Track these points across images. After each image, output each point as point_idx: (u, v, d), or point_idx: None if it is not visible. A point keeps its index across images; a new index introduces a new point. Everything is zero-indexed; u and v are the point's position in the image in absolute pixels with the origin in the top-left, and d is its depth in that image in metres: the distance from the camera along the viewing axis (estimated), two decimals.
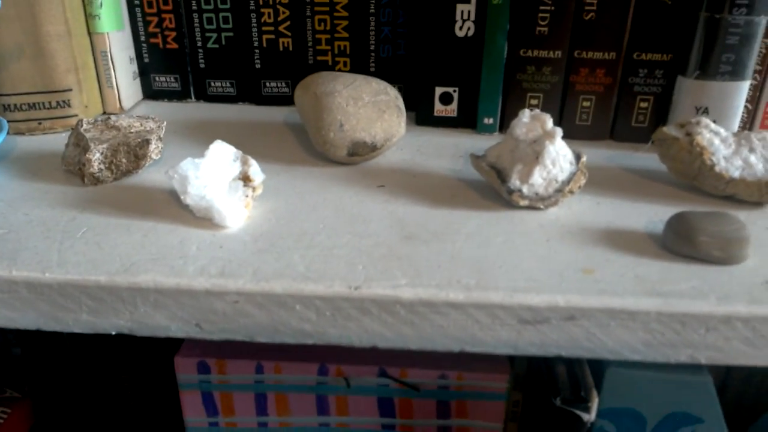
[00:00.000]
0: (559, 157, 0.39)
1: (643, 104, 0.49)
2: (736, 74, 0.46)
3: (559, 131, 0.39)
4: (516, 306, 0.31)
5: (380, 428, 0.50)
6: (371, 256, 0.34)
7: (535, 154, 0.39)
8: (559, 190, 0.39)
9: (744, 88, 0.46)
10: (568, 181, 0.39)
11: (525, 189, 0.39)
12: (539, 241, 0.36)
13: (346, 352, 0.48)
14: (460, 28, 0.49)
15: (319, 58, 0.55)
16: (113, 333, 0.34)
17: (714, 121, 0.47)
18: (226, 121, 0.55)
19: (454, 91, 0.51)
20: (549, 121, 0.39)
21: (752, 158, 0.40)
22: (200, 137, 0.51)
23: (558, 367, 0.47)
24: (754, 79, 0.48)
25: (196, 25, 0.55)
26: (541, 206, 0.39)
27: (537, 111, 0.40)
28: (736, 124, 0.47)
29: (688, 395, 0.46)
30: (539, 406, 0.48)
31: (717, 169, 0.40)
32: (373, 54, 0.55)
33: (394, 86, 0.56)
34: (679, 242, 0.35)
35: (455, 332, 0.32)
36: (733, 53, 0.45)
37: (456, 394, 0.48)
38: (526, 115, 0.39)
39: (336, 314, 0.32)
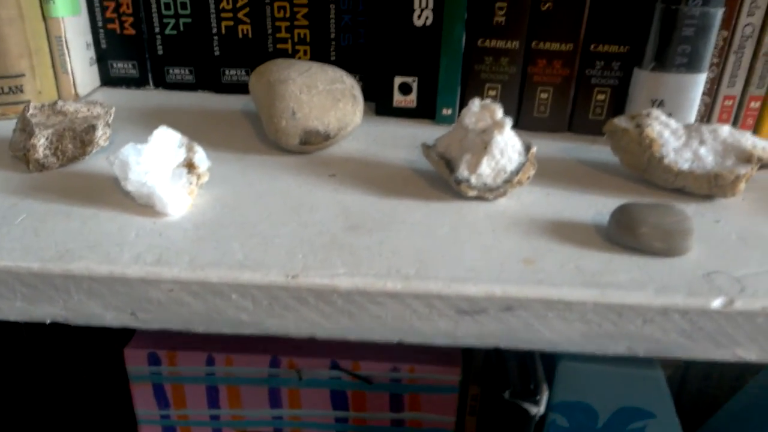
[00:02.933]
0: (508, 147, 0.38)
1: (601, 96, 0.49)
2: (692, 66, 0.45)
3: (508, 121, 0.39)
4: (453, 296, 0.31)
5: (333, 421, 0.49)
6: (313, 245, 0.34)
7: (483, 144, 0.38)
8: (508, 181, 0.39)
9: (700, 80, 0.46)
10: (517, 171, 0.39)
11: (473, 179, 0.38)
12: (484, 231, 0.36)
13: (298, 344, 0.47)
14: (419, 17, 0.48)
15: (279, 46, 0.55)
16: (48, 321, 0.34)
17: (670, 114, 0.47)
18: (184, 108, 0.54)
19: (413, 81, 0.51)
20: (498, 111, 0.39)
21: (702, 151, 0.40)
22: (155, 125, 0.50)
23: (510, 360, 0.46)
24: (711, 71, 0.48)
25: (153, 10, 0.54)
26: (490, 197, 0.39)
27: (487, 101, 0.39)
28: (692, 116, 0.47)
29: (639, 390, 0.46)
30: (493, 400, 0.48)
31: (666, 161, 0.40)
32: (333, 42, 0.54)
33: (354, 75, 0.56)
34: (622, 234, 0.35)
35: (393, 322, 0.32)
36: (689, 45, 0.45)
37: (408, 387, 0.47)
38: (475, 104, 0.39)
39: (273, 303, 0.32)
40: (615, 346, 0.32)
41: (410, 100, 0.52)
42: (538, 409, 0.42)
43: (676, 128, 0.41)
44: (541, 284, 0.31)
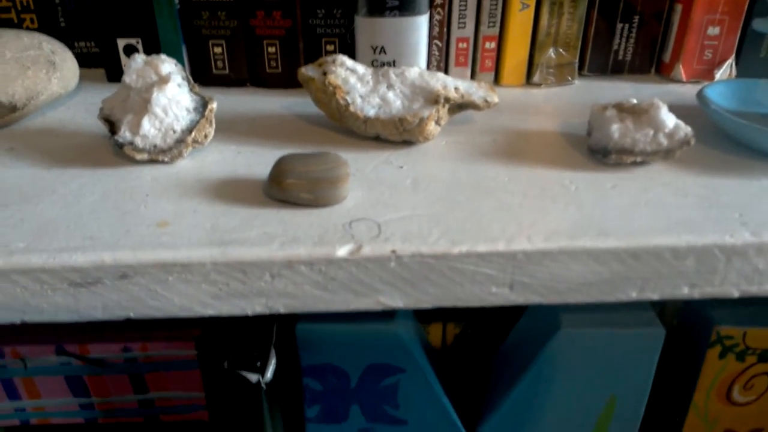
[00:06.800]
0: (172, 104, 0.36)
1: (330, 47, 0.47)
2: (406, 9, 0.44)
3: (174, 77, 0.36)
4: (60, 268, 0.29)
5: (78, 408, 0.47)
6: None
7: (144, 103, 0.36)
8: (181, 140, 0.36)
9: (418, 23, 0.44)
10: (190, 129, 0.36)
11: (139, 141, 0.36)
12: (137, 197, 0.34)
13: (20, 330, 0.45)
14: None
15: (2, 16, 0.51)
16: None
17: (393, 62, 0.45)
18: None
19: (137, 42, 0.48)
20: (163, 66, 0.36)
21: (390, 95, 0.38)
22: None
23: (238, 329, 0.45)
24: (438, 13, 0.47)
25: None
26: (166, 159, 0.36)
27: (155, 56, 0.37)
28: (420, 61, 0.46)
29: (381, 345, 0.45)
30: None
31: (352, 108, 0.38)
32: (59, 8, 0.51)
33: (87, 42, 0.52)
34: (272, 187, 0.33)
35: (7, 301, 0.30)
36: None
37: (147, 367, 0.45)
38: (137, 60, 0.37)
39: None
40: (252, 305, 0.31)
41: None
42: (258, 377, 0.41)
43: (363, 74, 0.39)
44: (160, 248, 0.29)
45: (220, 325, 0.46)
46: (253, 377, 0.41)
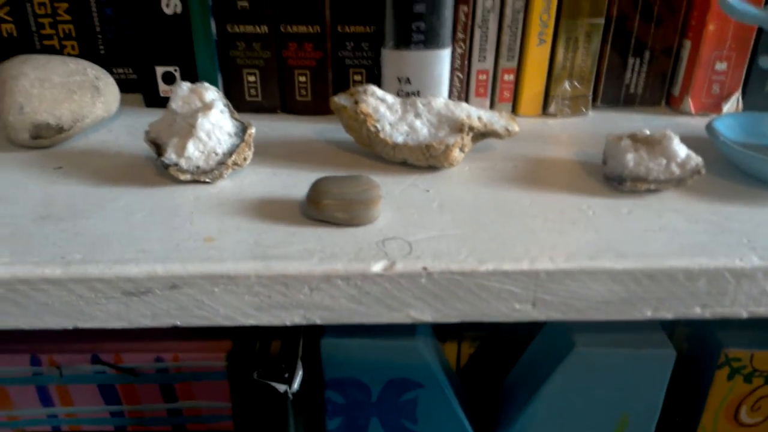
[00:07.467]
0: (215, 129, 0.38)
1: (357, 77, 0.50)
2: (430, 43, 0.46)
3: (217, 104, 0.39)
4: (115, 278, 0.31)
5: (109, 416, 0.49)
6: None
7: (189, 127, 0.38)
8: (222, 163, 0.39)
9: (442, 56, 0.47)
10: (231, 153, 0.39)
11: (183, 162, 0.38)
12: (183, 214, 0.36)
13: (58, 339, 0.47)
14: (167, 6, 0.48)
15: (45, 42, 0.54)
16: None
17: (418, 92, 0.47)
18: None
19: (175, 70, 0.50)
20: (207, 93, 0.39)
21: (417, 123, 0.41)
22: None
23: (273, 342, 0.47)
24: (459, 46, 0.49)
25: None
26: (207, 179, 0.39)
27: (200, 83, 0.39)
28: (442, 92, 0.48)
29: (402, 361, 0.47)
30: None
31: (381, 135, 0.40)
32: (100, 36, 0.54)
33: (126, 68, 0.55)
34: (309, 207, 0.35)
35: (62, 309, 0.32)
36: (423, 22, 0.46)
37: (177, 377, 0.47)
38: (183, 87, 0.39)
39: None
40: (291, 316, 0.33)
41: None
42: (285, 387, 0.43)
43: (392, 103, 0.41)
44: (207, 261, 0.31)
45: (250, 338, 0.48)
46: (281, 387, 0.43)
